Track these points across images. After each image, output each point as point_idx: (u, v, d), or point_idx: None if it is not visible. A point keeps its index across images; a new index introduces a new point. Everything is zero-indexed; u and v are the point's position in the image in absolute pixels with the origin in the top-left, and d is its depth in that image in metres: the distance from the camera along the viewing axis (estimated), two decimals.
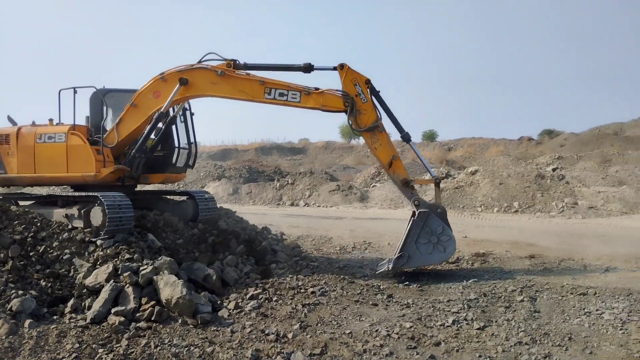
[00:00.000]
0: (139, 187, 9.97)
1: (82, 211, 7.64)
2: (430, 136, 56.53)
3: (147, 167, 8.82)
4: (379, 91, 8.00)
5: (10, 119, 8.88)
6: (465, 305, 6.47)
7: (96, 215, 7.42)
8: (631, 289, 7.20)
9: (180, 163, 9.49)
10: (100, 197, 7.37)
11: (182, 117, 9.35)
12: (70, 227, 7.60)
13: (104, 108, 8.72)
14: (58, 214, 7.91)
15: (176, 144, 9.28)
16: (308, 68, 8.04)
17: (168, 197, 9.97)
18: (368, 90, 7.87)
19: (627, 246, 11.26)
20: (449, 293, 7.08)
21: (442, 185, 22.64)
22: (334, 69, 7.93)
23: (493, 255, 10.12)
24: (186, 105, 9.35)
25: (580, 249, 10.95)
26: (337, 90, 7.89)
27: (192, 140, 9.55)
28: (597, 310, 6.29)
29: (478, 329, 5.66)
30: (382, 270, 7.96)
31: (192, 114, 9.52)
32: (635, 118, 46.67)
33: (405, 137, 8.17)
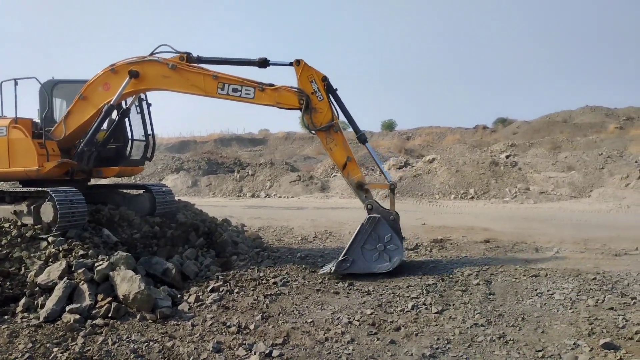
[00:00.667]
0: (94, 181, 9.66)
1: (32, 207, 7.34)
2: (389, 126, 57.18)
3: (100, 161, 8.53)
4: (336, 89, 7.71)
5: None
6: (424, 290, 6.62)
7: (47, 211, 7.14)
8: (580, 269, 7.56)
9: (136, 155, 9.23)
10: (51, 192, 7.09)
11: (138, 108, 9.07)
12: (19, 224, 7.29)
13: (52, 100, 8.40)
14: (6, 210, 7.58)
15: (130, 136, 9.01)
16: (263, 63, 7.79)
17: (124, 190, 9.71)
18: (325, 87, 7.56)
19: (576, 229, 11.80)
20: (408, 279, 7.23)
21: (401, 173, 23.10)
22: (290, 64, 7.63)
23: (450, 241, 10.39)
24: (142, 96, 9.06)
25: (532, 232, 11.39)
26: (292, 87, 7.57)
27: (149, 131, 9.27)
28: (548, 290, 6.56)
29: (436, 312, 5.81)
30: (325, 271, 7.49)
31: (149, 105, 9.25)
32: (583, 106, 48.67)
33: (362, 138, 7.84)
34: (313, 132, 7.69)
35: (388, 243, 7.26)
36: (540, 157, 23.99)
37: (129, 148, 9.01)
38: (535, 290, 6.63)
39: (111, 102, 7.84)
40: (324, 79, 7.58)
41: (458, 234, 11.28)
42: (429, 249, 9.74)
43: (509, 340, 4.98)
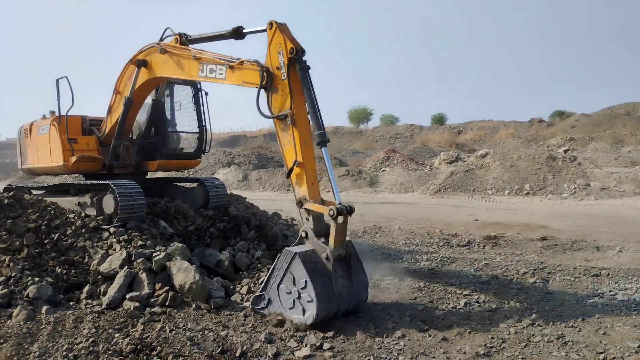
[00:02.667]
0: (152, 175, 9.98)
1: (95, 199, 7.70)
2: (439, 120, 56.15)
3: (145, 154, 8.82)
4: (307, 67, 5.66)
5: (51, 113, 8.98)
6: (477, 288, 6.47)
7: (108, 203, 7.48)
8: None
9: (190, 149, 9.38)
10: (112, 185, 7.42)
11: (193, 99, 9.07)
12: (83, 215, 7.67)
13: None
14: (70, 202, 7.99)
15: (170, 129, 9.01)
16: (236, 32, 6.54)
17: (179, 184, 9.98)
18: (295, 63, 5.59)
19: None
20: (461, 276, 7.08)
21: (452, 168, 22.57)
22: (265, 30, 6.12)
23: (504, 238, 10.09)
24: (198, 85, 8.98)
25: (592, 230, 10.89)
26: (256, 61, 5.95)
27: (203, 123, 9.17)
28: (610, 291, 6.27)
29: (490, 311, 5.67)
30: (246, 304, 5.93)
31: (206, 94, 9.04)
32: None
33: (319, 140, 5.58)
34: (268, 117, 5.91)
35: (303, 290, 5.11)
36: (601, 152, 22.87)
37: (169, 141, 8.98)
38: (597, 290, 6.34)
39: (127, 96, 7.91)
40: (292, 52, 5.56)
41: (513, 231, 10.93)
42: (481, 245, 9.50)
43: (568, 341, 4.79)
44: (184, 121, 9.22)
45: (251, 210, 10.08)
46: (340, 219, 5.18)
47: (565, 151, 23.64)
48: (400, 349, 4.70)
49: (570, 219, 12.92)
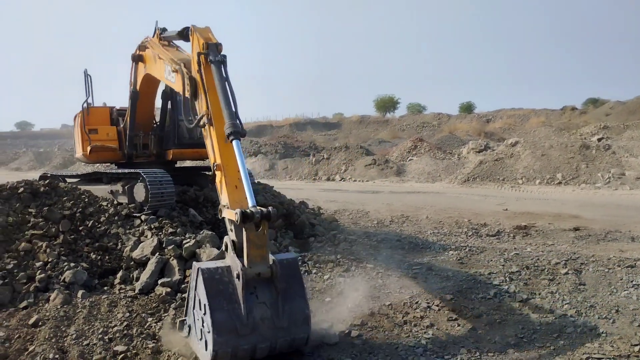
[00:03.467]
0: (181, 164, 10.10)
1: (126, 187, 7.87)
2: (467, 108, 55.14)
3: (163, 144, 9.01)
4: (219, 60, 5.00)
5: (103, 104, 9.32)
6: (507, 278, 6.38)
7: (139, 191, 7.63)
8: None
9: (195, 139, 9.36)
10: (143, 174, 7.56)
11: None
12: (115, 202, 7.86)
13: None
14: (103, 190, 8.19)
15: (181, 118, 8.85)
16: (182, 33, 5.93)
17: (207, 172, 10.05)
18: (206, 57, 5.02)
19: None
20: (490, 266, 6.99)
21: (481, 157, 22.18)
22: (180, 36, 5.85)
23: (535, 228, 9.90)
24: (224, 74, 9.03)
25: (627, 220, 10.59)
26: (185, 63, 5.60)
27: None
28: None
29: (520, 301, 5.59)
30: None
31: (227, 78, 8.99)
32: None
33: (232, 129, 4.53)
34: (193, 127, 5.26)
35: (205, 317, 3.94)
36: (636, 140, 22.12)
37: (182, 130, 8.91)
38: (631, 281, 6.18)
39: (132, 89, 8.13)
40: (204, 47, 5.06)
41: (544, 221, 10.72)
42: (511, 235, 9.35)
43: (602, 332, 4.69)
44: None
45: (278, 198, 10.15)
46: (252, 226, 3.95)
47: (599, 139, 22.97)
48: (429, 338, 4.68)
49: (604, 208, 12.58)
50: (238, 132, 4.53)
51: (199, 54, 5.04)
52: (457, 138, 33.90)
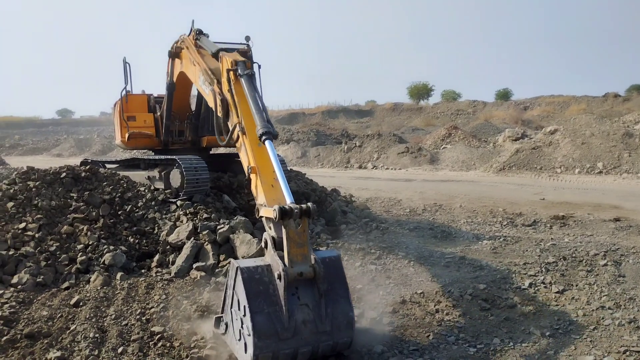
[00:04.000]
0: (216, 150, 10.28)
1: (162, 173, 8.06)
2: (504, 95, 53.78)
3: (198, 131, 9.25)
4: (250, 74, 5.24)
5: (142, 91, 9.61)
6: (543, 269, 6.24)
7: (175, 177, 7.80)
8: None
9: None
10: (179, 160, 7.71)
11: None
12: (152, 188, 8.06)
13: None
14: (141, 176, 8.42)
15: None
16: (215, 56, 6.10)
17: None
18: (232, 77, 5.28)
19: None
20: (525, 256, 6.86)
21: (517, 145, 21.65)
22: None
23: (573, 218, 9.63)
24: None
25: None
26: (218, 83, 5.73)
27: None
28: None
29: (557, 292, 5.47)
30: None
31: (259, 67, 8.52)
32: None
33: (264, 129, 4.62)
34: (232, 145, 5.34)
35: (244, 319, 3.74)
36: None
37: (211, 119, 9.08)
38: None
39: (168, 81, 8.33)
40: (233, 64, 5.31)
41: (583, 211, 10.41)
42: (548, 225, 9.12)
43: None
44: None
45: (311, 186, 10.20)
46: (292, 223, 3.84)
47: None
48: (461, 327, 4.65)
49: None
50: (270, 132, 4.60)
51: (228, 71, 5.30)
52: (492, 126, 33.12)
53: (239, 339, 3.85)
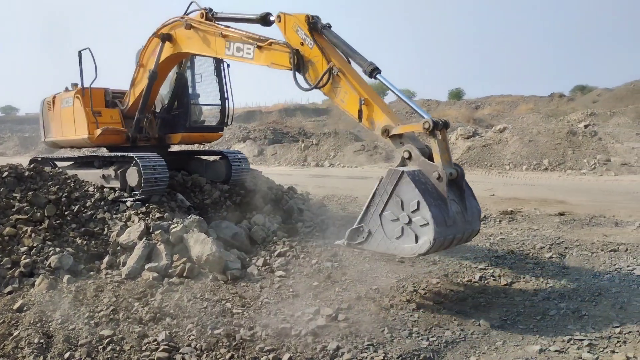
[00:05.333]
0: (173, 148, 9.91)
1: (119, 172, 7.75)
2: (456, 95, 55.18)
3: (168, 127, 8.80)
4: (327, 25, 5.88)
5: (73, 85, 8.99)
6: (493, 262, 6.45)
7: (132, 176, 7.52)
8: None
9: (212, 121, 9.23)
10: (136, 158, 7.44)
11: (215, 71, 8.95)
12: (100, 186, 7.77)
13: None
14: (95, 174, 8.06)
15: (193, 102, 8.93)
16: (264, 19, 6.48)
17: (202, 157, 9.93)
18: (308, 29, 5.83)
19: None
20: (476, 250, 7.07)
21: (469, 143, 22.29)
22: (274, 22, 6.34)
23: (521, 213, 10.00)
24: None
25: (611, 206, 10.73)
26: (285, 43, 6.09)
27: (225, 95, 9.02)
28: (628, 266, 6.21)
29: (505, 284, 5.66)
30: (338, 242, 5.40)
31: (227, 66, 8.86)
32: None
33: (369, 70, 5.46)
34: (321, 91, 5.85)
35: (414, 214, 4.54)
36: (623, 127, 22.33)
37: (191, 114, 8.90)
38: (614, 265, 6.29)
39: (152, 69, 7.85)
40: (308, 19, 5.82)
41: (530, 206, 10.83)
42: (497, 220, 9.43)
43: (584, 315, 4.78)
44: (206, 93, 9.08)
45: (267, 184, 10.12)
46: (438, 134, 4.82)
47: (586, 126, 23.13)
48: (414, 321, 4.74)
49: (589, 194, 12.74)
50: (377, 68, 5.44)
51: (309, 23, 5.76)
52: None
53: (400, 236, 4.61)
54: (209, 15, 7.15)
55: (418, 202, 4.48)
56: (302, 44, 5.89)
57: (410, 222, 4.55)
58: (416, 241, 4.54)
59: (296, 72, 5.95)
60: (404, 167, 4.81)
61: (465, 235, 4.90)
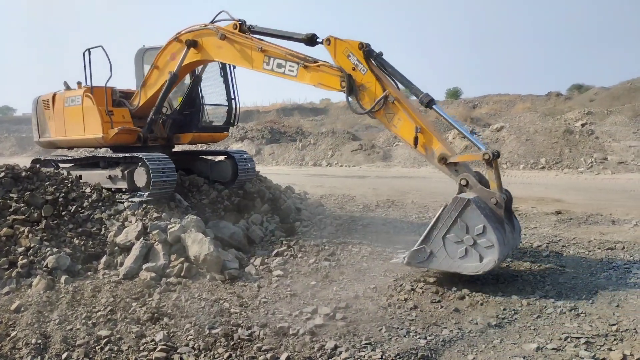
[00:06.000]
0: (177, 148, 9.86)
1: (126, 172, 7.71)
2: (454, 94, 55.21)
3: (179, 127, 8.76)
4: (379, 53, 6.23)
5: (66, 85, 8.89)
6: None
7: (140, 177, 7.47)
8: None
9: (219, 121, 9.19)
10: (145, 159, 7.38)
11: (221, 72, 8.92)
12: (98, 187, 7.74)
13: (143, 67, 8.57)
14: (101, 175, 8.00)
15: (204, 102, 8.94)
16: (311, 39, 6.73)
17: (207, 157, 9.82)
18: (364, 56, 6.18)
19: None
20: None
21: (466, 142, 22.30)
22: (320, 43, 6.62)
23: (518, 212, 10.01)
24: None
25: (608, 204, 10.77)
26: (334, 66, 6.39)
27: (232, 96, 9.03)
28: (625, 264, 6.23)
29: (502, 283, 5.67)
30: (396, 260, 5.97)
31: (233, 67, 8.83)
32: None
33: (425, 102, 5.96)
34: (370, 115, 6.29)
35: (479, 237, 5.16)
36: (620, 125, 22.39)
37: (202, 114, 8.92)
38: (611, 263, 6.31)
39: (174, 72, 7.80)
40: (361, 46, 6.16)
41: (527, 205, 10.86)
42: None
43: (581, 312, 4.79)
44: (213, 94, 9.05)
45: (265, 183, 10.13)
46: (493, 163, 5.47)
47: (583, 125, 23.19)
48: (412, 320, 4.75)
49: (586, 192, 12.78)
50: (432, 100, 5.94)
51: (363, 51, 6.12)
52: (443, 124, 33.88)
53: (463, 257, 5.27)
54: (244, 27, 7.21)
55: (484, 227, 5.13)
56: (353, 69, 6.21)
57: (475, 244, 5.20)
58: (480, 260, 5.20)
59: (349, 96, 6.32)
60: (468, 195, 5.35)
61: (512, 250, 5.83)
